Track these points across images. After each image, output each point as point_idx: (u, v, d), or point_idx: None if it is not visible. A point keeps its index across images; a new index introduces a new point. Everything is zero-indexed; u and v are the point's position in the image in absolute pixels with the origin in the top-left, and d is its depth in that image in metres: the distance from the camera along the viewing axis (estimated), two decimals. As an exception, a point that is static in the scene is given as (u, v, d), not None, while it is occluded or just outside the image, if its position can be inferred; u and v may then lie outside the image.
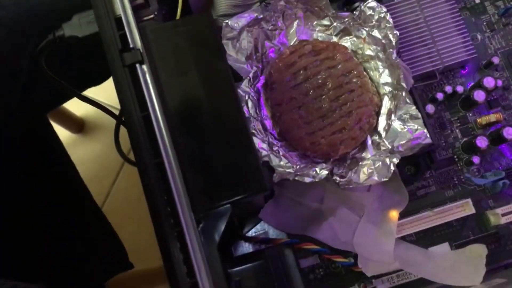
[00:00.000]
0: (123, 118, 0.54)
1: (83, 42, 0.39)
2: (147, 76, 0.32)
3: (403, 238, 0.40)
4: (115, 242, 0.79)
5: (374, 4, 0.39)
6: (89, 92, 1.35)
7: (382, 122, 0.40)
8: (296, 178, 0.37)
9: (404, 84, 0.38)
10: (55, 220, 0.70)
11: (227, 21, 0.38)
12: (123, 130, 0.60)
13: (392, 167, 0.37)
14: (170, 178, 0.31)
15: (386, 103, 0.40)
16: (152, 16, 0.36)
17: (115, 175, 1.23)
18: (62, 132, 1.16)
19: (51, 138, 0.76)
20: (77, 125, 1.24)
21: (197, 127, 0.32)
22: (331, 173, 0.38)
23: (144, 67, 0.32)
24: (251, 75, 0.40)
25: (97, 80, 0.69)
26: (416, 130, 0.37)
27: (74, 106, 1.22)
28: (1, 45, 0.52)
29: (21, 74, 0.54)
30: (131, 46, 0.33)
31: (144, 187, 0.32)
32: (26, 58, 0.54)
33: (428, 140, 0.37)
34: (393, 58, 0.38)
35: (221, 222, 0.32)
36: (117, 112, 0.52)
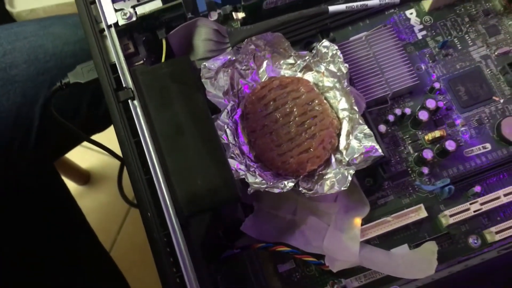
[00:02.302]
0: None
1: (86, 88, 0.46)
2: (138, 109, 0.39)
3: (368, 242, 0.46)
4: (123, 284, 0.84)
5: (327, 43, 0.47)
6: (93, 145, 1.41)
7: (342, 142, 0.47)
8: (267, 190, 0.43)
9: (356, 108, 0.45)
10: (63, 264, 0.75)
11: (204, 63, 0.45)
12: (126, 177, 0.67)
13: (349, 177, 0.43)
14: (158, 191, 0.37)
15: (345, 126, 0.47)
16: (142, 62, 0.44)
17: (121, 223, 1.28)
18: (68, 184, 1.22)
19: (59, 185, 0.82)
20: (83, 177, 1.30)
21: (180, 149, 0.38)
22: (297, 185, 0.45)
23: (135, 102, 0.40)
24: (229, 108, 0.47)
25: (101, 127, 0.75)
26: (370, 146, 0.44)
27: (80, 158, 1.30)
28: (15, 99, 0.58)
29: (33, 125, 0.60)
30: (124, 86, 0.40)
31: (137, 200, 0.38)
32: (37, 110, 0.60)
33: (379, 153, 0.43)
34: (345, 86, 0.45)
35: (203, 226, 0.38)
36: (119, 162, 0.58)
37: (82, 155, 1.31)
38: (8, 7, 1.27)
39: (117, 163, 1.49)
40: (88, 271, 0.79)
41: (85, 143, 1.16)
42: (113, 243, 1.25)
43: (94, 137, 0.77)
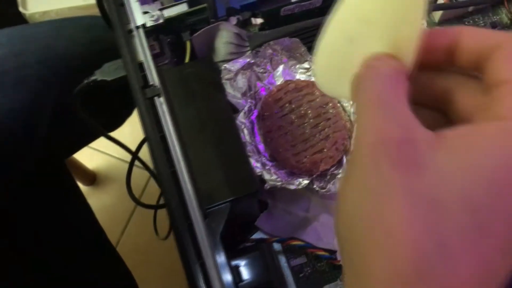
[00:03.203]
0: (138, 155, 0.62)
1: (110, 87, 0.48)
2: (163, 106, 0.42)
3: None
4: (131, 280, 0.85)
5: (342, 49, 0.49)
6: (100, 146, 1.43)
7: (354, 144, 0.49)
8: (283, 186, 0.45)
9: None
10: (74, 259, 0.77)
11: (225, 65, 0.48)
12: (133, 177, 0.69)
13: (361, 177, 0.45)
14: (182, 183, 0.39)
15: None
16: (166, 62, 0.46)
17: (125, 225, 1.30)
18: (75, 184, 1.25)
19: (68, 184, 0.84)
20: (89, 177, 1.33)
21: (202, 143, 0.41)
22: (311, 183, 0.47)
23: (161, 99, 0.42)
24: (246, 108, 0.50)
25: (108, 129, 0.76)
26: (380, 147, 0.46)
27: (87, 159, 1.32)
28: (25, 100, 0.59)
29: (43, 124, 0.61)
30: (150, 83, 0.42)
31: (162, 191, 0.40)
32: (47, 110, 0.61)
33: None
34: (359, 90, 0.47)
35: (223, 217, 0.40)
36: (125, 164, 0.60)
37: (89, 156, 1.34)
38: (21, 9, 1.30)
39: (122, 165, 1.51)
40: (94, 269, 0.80)
41: (92, 145, 1.17)
42: (117, 244, 1.27)
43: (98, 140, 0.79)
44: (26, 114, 0.60)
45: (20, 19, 1.32)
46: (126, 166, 0.64)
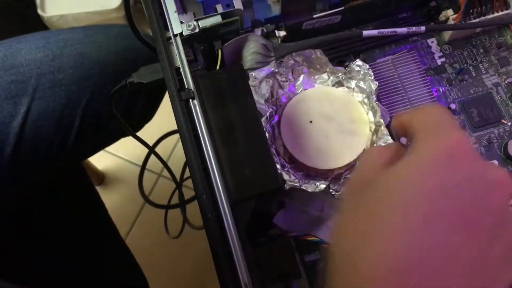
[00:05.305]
0: (155, 149, 0.65)
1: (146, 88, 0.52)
2: (197, 107, 0.45)
3: (385, 240, 0.52)
4: (138, 273, 0.89)
5: (360, 63, 0.53)
6: (109, 148, 1.47)
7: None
8: (302, 187, 0.49)
9: (382, 121, 0.51)
10: (86, 251, 0.80)
11: (251, 73, 0.52)
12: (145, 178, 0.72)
13: (373, 180, 0.49)
14: (212, 178, 0.43)
15: (370, 136, 0.53)
16: (198, 68, 0.50)
17: (130, 225, 1.33)
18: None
19: (86, 184, 0.87)
20: (98, 178, 1.36)
21: (232, 143, 0.45)
22: (328, 187, 0.50)
23: (195, 101, 0.46)
24: (268, 114, 0.53)
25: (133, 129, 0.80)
26: (392, 154, 0.50)
27: (97, 160, 1.35)
28: (60, 101, 0.63)
29: (73, 126, 0.65)
30: (186, 87, 0.46)
31: (194, 186, 0.44)
32: (79, 112, 0.65)
33: (400, 160, 0.49)
34: (373, 101, 0.51)
35: (248, 210, 0.44)
36: (134, 166, 0.63)
37: (99, 157, 1.37)
38: (39, 12, 1.35)
39: (131, 167, 1.54)
40: (110, 267, 0.83)
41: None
42: (121, 244, 1.30)
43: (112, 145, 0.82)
44: (58, 116, 0.63)
45: (38, 21, 1.37)
46: (134, 167, 0.67)
